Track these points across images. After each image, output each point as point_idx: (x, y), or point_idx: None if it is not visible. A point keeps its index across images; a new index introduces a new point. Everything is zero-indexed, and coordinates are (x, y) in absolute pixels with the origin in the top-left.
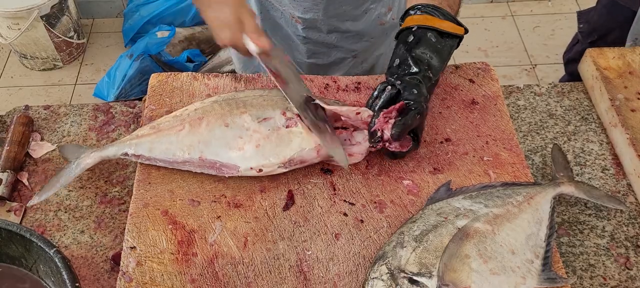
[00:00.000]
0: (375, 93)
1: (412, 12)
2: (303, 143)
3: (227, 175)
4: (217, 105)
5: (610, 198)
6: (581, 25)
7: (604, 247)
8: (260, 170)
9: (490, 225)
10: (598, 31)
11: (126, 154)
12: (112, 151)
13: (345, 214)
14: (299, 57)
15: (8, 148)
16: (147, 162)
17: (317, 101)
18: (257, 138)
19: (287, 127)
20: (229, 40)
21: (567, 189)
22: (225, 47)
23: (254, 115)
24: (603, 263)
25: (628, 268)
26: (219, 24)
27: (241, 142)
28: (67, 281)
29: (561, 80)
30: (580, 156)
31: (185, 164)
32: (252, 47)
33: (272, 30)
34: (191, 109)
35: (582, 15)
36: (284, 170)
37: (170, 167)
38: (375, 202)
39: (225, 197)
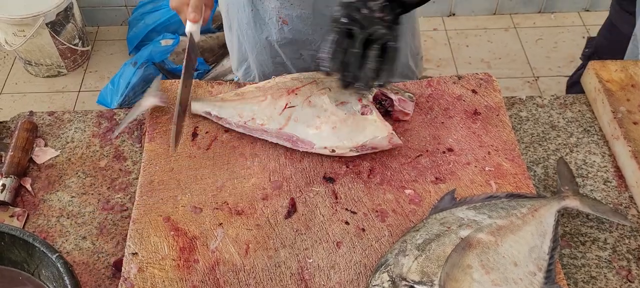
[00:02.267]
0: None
1: None
2: (376, 131)
3: (301, 150)
4: (298, 82)
5: (615, 213)
6: (587, 50)
7: (605, 259)
8: (333, 151)
9: (493, 236)
10: (598, 53)
11: (209, 113)
12: (195, 107)
13: (346, 223)
14: (276, 67)
15: (12, 153)
16: (227, 125)
17: None
18: (334, 120)
19: (362, 113)
20: (175, 5)
21: (572, 203)
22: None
23: (332, 98)
24: (605, 276)
25: (630, 281)
26: None
27: (319, 121)
28: (69, 286)
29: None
30: (582, 168)
31: (264, 134)
32: (188, 25)
33: (260, 33)
34: (273, 82)
35: (590, 41)
36: (356, 154)
37: (249, 133)
38: (376, 211)
39: (227, 204)
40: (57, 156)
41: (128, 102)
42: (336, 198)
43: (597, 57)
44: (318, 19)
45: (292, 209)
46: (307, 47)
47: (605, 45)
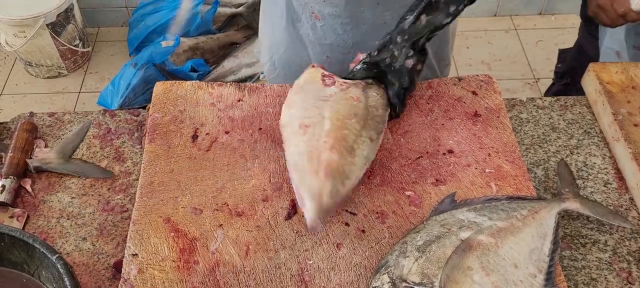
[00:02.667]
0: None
1: None
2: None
3: None
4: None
5: (616, 216)
6: (559, 65)
7: (606, 261)
8: None
9: (493, 238)
10: (569, 73)
11: None
12: None
13: (347, 224)
14: (312, 61)
15: (12, 154)
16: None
17: None
18: None
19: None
20: None
21: (572, 205)
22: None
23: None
24: (605, 278)
25: (630, 283)
26: None
27: None
28: (69, 287)
29: None
30: (582, 170)
31: None
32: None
33: (292, 28)
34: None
35: (561, 55)
36: None
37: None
38: (377, 213)
39: (228, 205)
40: None
41: (128, 104)
42: None
43: (569, 77)
44: (349, 18)
45: (292, 210)
46: (335, 49)
47: (576, 67)
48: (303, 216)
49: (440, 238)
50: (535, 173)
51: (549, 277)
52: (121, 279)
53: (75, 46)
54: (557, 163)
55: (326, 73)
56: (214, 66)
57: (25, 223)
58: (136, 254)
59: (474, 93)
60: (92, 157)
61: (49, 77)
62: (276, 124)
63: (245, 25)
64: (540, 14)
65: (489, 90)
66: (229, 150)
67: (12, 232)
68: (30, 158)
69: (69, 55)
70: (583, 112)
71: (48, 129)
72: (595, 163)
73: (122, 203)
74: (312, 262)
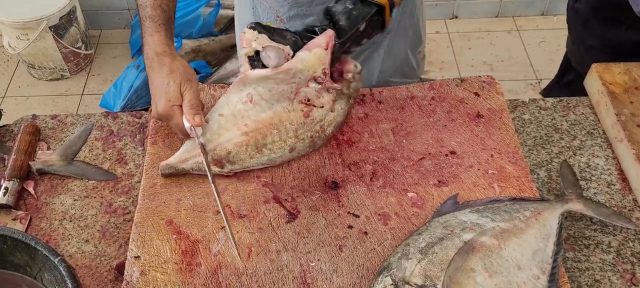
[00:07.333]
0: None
1: None
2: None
3: None
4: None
5: (619, 217)
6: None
7: (609, 262)
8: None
9: (496, 240)
10: (575, 67)
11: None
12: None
13: (349, 226)
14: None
15: (15, 157)
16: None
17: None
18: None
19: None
20: (163, 110)
21: (576, 206)
22: (155, 116)
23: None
24: (609, 279)
25: (634, 285)
26: (159, 92)
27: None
28: None
29: None
30: (585, 171)
31: None
32: (187, 123)
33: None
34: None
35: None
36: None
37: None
38: (379, 215)
39: (230, 207)
40: None
41: (131, 106)
42: (339, 201)
43: (574, 72)
44: (313, 20)
45: (294, 213)
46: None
47: (582, 56)
48: None
49: (442, 240)
50: (538, 174)
51: (553, 278)
52: (124, 281)
53: (77, 48)
54: (560, 165)
55: None
56: (216, 68)
57: (28, 225)
58: (138, 256)
59: (476, 94)
60: (94, 159)
61: (51, 80)
62: None
63: None
64: (542, 14)
65: (492, 92)
66: None
67: (15, 235)
68: (33, 160)
69: (72, 58)
70: (586, 113)
71: (51, 131)
72: (598, 164)
73: (124, 205)
74: (314, 264)
